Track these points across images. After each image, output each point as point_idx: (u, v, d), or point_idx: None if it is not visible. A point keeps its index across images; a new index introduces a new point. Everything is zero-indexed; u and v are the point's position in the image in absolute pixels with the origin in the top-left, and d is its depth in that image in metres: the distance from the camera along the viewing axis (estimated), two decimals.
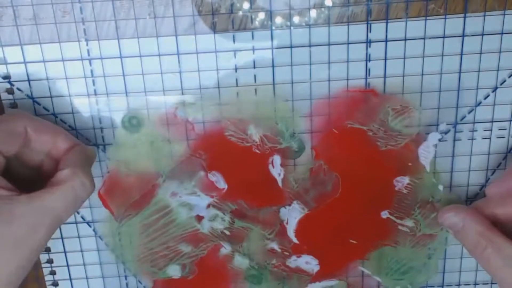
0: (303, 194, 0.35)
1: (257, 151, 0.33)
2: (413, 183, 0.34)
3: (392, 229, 0.35)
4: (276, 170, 0.34)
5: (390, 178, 0.34)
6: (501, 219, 0.31)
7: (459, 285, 0.37)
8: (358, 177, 0.34)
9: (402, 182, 0.34)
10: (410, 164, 0.34)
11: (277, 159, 0.34)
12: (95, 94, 0.32)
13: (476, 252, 0.31)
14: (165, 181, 0.34)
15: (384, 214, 0.35)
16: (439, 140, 0.34)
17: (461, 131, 0.33)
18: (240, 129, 0.33)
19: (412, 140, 0.33)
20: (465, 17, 0.31)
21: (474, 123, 0.33)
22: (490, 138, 0.34)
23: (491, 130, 0.33)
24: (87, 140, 0.33)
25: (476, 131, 0.33)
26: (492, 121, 0.33)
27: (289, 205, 0.35)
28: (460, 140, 0.34)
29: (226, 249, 0.36)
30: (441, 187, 0.34)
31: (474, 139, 0.34)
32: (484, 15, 0.31)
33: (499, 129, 0.33)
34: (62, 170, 0.28)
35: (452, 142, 0.34)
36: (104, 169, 0.34)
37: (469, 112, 0.33)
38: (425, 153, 0.33)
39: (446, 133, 0.33)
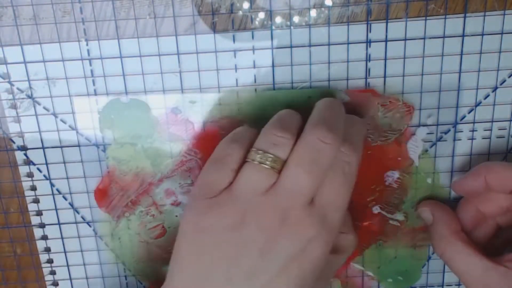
0: None
1: None
2: (403, 177, 0.34)
3: (383, 224, 0.36)
4: None
5: (380, 173, 0.34)
6: (485, 214, 0.32)
7: (458, 285, 0.37)
8: None
9: (392, 176, 0.34)
10: (399, 158, 0.34)
11: None
12: (95, 94, 0.32)
13: (437, 251, 0.32)
14: (161, 180, 0.34)
15: (375, 209, 0.35)
16: (439, 139, 0.34)
17: (461, 131, 0.33)
18: (235, 127, 0.33)
19: (401, 135, 0.33)
20: (465, 17, 0.31)
21: (474, 123, 0.33)
22: (490, 138, 0.34)
23: (491, 130, 0.33)
24: (87, 140, 0.33)
25: (476, 131, 0.33)
26: (492, 121, 0.33)
27: None
28: (460, 140, 0.34)
29: None
30: (429, 181, 0.34)
31: (474, 139, 0.34)
32: (484, 15, 0.31)
33: (499, 129, 0.33)
34: (347, 235, 0.31)
35: (452, 142, 0.34)
36: (104, 168, 0.34)
37: (469, 112, 0.33)
38: (414, 148, 0.34)
39: (446, 133, 0.33)
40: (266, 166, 0.26)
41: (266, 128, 0.28)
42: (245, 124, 0.31)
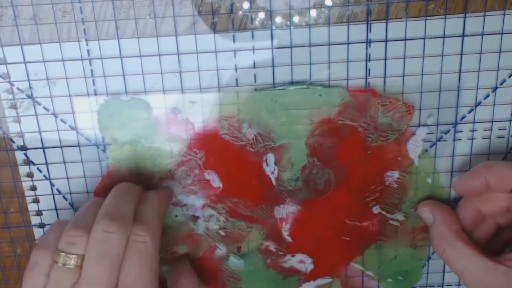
0: (296, 192, 0.35)
1: (251, 149, 0.33)
2: (403, 177, 0.34)
3: (383, 223, 0.36)
4: (270, 169, 0.34)
5: (380, 173, 0.34)
6: (485, 214, 0.32)
7: (459, 285, 0.37)
8: (350, 173, 0.34)
9: (392, 176, 0.34)
10: (399, 158, 0.34)
11: (271, 157, 0.34)
12: (95, 94, 0.32)
13: (437, 251, 0.32)
14: (161, 180, 0.34)
15: (376, 209, 0.35)
16: (439, 139, 0.34)
17: (461, 131, 0.33)
18: (235, 128, 0.33)
19: (401, 135, 0.33)
20: (465, 17, 0.31)
21: (474, 123, 0.33)
22: (490, 138, 0.34)
23: (491, 130, 0.33)
24: (87, 140, 0.33)
25: (476, 131, 0.33)
26: (492, 121, 0.33)
27: (283, 203, 0.35)
28: (460, 140, 0.34)
29: (221, 250, 0.36)
30: (429, 181, 0.34)
31: (474, 139, 0.34)
32: (484, 15, 0.31)
33: (499, 129, 0.33)
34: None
35: (452, 142, 0.34)
36: (104, 168, 0.34)
37: (469, 112, 0.33)
38: (414, 147, 0.34)
39: (446, 133, 0.33)
40: (69, 266, 0.28)
41: (65, 229, 0.29)
42: (56, 221, 0.31)
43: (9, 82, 0.32)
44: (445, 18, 0.31)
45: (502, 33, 0.31)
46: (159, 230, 0.31)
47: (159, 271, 0.30)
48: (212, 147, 0.33)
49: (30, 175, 0.34)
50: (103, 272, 0.28)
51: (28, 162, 0.34)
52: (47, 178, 0.34)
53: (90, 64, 0.32)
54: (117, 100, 0.32)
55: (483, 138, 0.34)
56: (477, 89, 0.32)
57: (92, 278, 0.28)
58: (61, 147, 0.33)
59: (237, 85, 0.32)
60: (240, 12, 0.31)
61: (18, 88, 0.32)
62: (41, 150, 0.34)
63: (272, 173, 0.34)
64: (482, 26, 0.31)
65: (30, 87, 0.32)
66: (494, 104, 0.33)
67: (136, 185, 0.32)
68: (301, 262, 0.37)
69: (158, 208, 0.32)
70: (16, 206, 0.35)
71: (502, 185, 0.30)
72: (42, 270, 0.28)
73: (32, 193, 0.35)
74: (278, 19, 0.31)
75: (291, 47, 0.31)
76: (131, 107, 0.32)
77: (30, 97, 0.32)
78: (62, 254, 0.28)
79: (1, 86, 0.32)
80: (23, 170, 0.34)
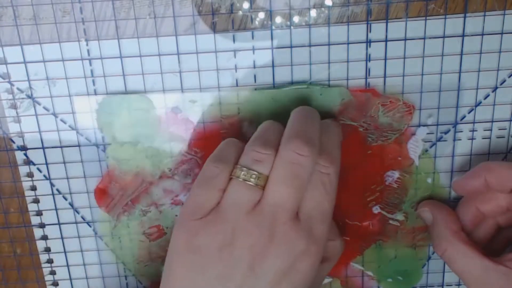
0: None
1: None
2: (403, 177, 0.34)
3: (383, 223, 0.36)
4: None
5: (380, 173, 0.34)
6: (485, 214, 0.32)
7: (458, 285, 0.38)
8: (350, 173, 0.34)
9: (392, 176, 0.34)
10: (399, 158, 0.34)
11: None
12: (95, 94, 0.32)
13: (437, 251, 0.32)
14: (161, 179, 0.34)
15: (376, 209, 0.35)
16: (439, 139, 0.34)
17: (461, 131, 0.33)
18: (235, 127, 0.33)
19: (401, 135, 0.33)
20: (465, 17, 0.31)
21: (474, 123, 0.33)
22: (490, 138, 0.34)
23: (491, 130, 0.33)
24: (87, 140, 0.33)
25: (476, 131, 0.33)
26: (492, 121, 0.33)
27: None
28: (460, 140, 0.34)
29: None
30: (429, 181, 0.34)
31: (474, 139, 0.34)
32: (484, 15, 0.31)
33: (499, 129, 0.33)
34: (334, 242, 0.31)
35: (452, 142, 0.34)
36: (104, 168, 0.34)
37: (469, 112, 0.33)
38: (414, 147, 0.34)
39: (446, 133, 0.33)
40: (250, 183, 0.27)
41: (249, 144, 0.28)
42: (226, 140, 0.30)
43: (9, 82, 0.32)
44: (445, 18, 0.31)
45: (502, 33, 0.31)
46: (339, 164, 0.29)
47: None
48: (212, 146, 0.33)
49: (30, 175, 0.34)
50: (290, 195, 0.26)
51: (28, 162, 0.34)
52: (47, 178, 0.34)
53: (90, 64, 0.32)
54: (117, 98, 0.32)
55: (483, 138, 0.34)
56: (477, 89, 0.32)
57: (277, 200, 0.26)
58: (61, 147, 0.33)
59: (237, 85, 0.32)
60: (240, 12, 0.31)
61: (18, 88, 0.32)
62: (41, 150, 0.34)
63: None
64: (482, 26, 0.31)
65: (30, 87, 0.32)
66: (494, 104, 0.33)
67: (315, 110, 0.29)
68: None
69: (338, 140, 0.30)
70: (16, 206, 0.35)
71: (501, 185, 0.30)
72: (218, 184, 0.27)
73: (32, 193, 0.35)
74: (278, 19, 0.31)
75: (291, 47, 0.31)
76: (130, 105, 0.32)
77: (30, 97, 0.32)
78: (245, 169, 0.27)
79: (1, 86, 0.32)
80: (23, 170, 0.34)
